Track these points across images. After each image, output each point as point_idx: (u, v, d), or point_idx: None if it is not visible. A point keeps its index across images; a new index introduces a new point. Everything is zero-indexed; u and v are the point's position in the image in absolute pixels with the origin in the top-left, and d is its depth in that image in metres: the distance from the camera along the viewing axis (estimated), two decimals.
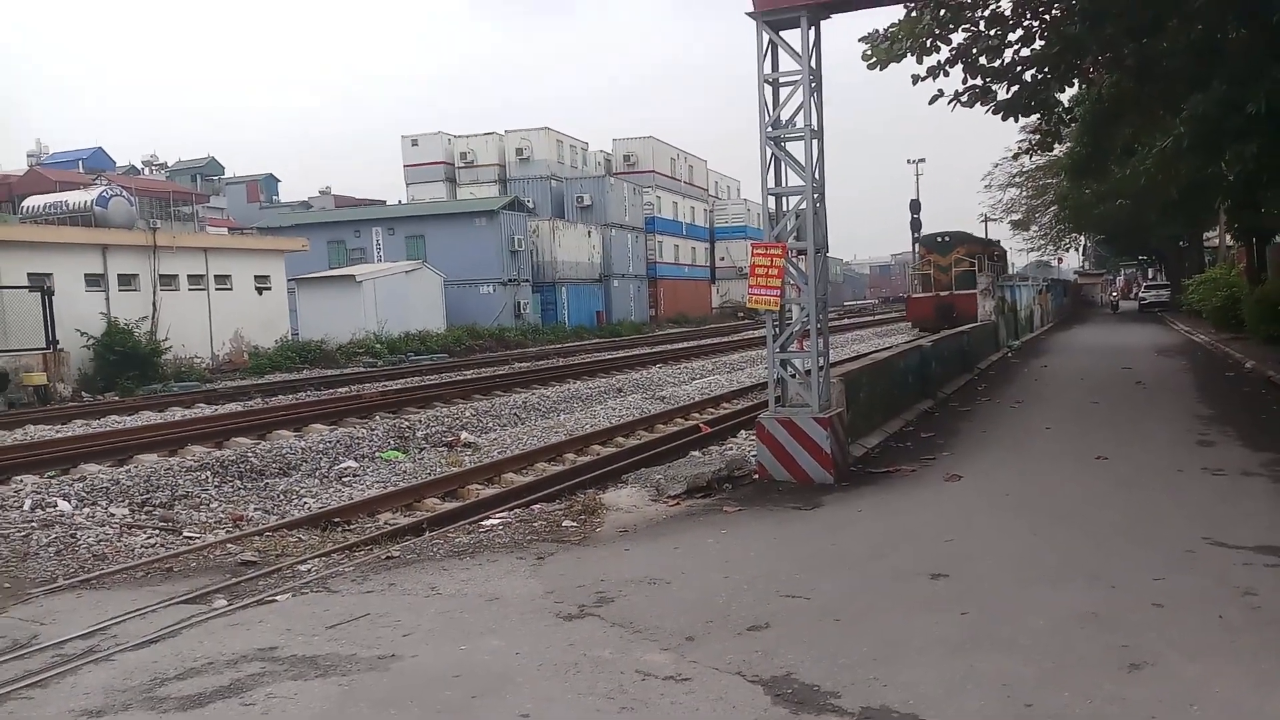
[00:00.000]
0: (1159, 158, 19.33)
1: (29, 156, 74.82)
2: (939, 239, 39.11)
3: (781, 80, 10.00)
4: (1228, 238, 39.23)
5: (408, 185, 62.23)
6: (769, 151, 9.96)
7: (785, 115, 10.02)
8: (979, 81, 15.27)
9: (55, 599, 6.85)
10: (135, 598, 6.74)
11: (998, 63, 15.15)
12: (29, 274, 23.92)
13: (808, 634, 5.43)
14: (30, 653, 5.63)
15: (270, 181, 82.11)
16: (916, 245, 42.84)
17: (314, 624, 5.90)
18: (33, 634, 5.98)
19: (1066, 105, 17.75)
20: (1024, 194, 57.27)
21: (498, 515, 9.17)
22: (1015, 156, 43.06)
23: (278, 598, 6.58)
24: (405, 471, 13.15)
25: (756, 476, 9.88)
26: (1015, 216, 61.44)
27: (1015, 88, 15.61)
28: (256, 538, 8.85)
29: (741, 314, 63.95)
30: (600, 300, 53.21)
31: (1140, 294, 58.54)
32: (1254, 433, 11.74)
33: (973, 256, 36.63)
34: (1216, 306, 31.02)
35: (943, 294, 35.42)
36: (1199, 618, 5.42)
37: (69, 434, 16.45)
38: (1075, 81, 17.03)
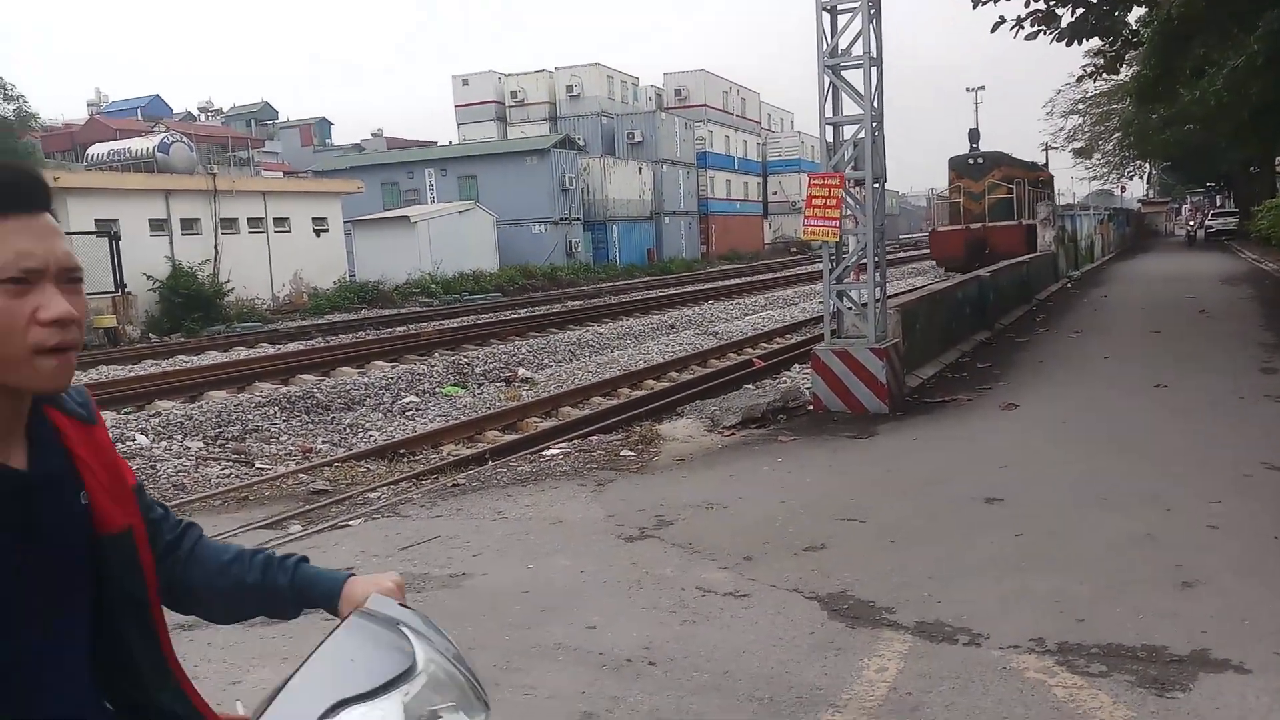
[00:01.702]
0: (1230, 77, 18.67)
1: (89, 105, 76.05)
2: (971, 160, 32.14)
3: (840, 7, 9.85)
4: None
5: (459, 125, 62.15)
6: (826, 80, 9.87)
7: (843, 43, 9.89)
8: (1042, 5, 14.86)
9: None
10: (215, 524, 7.06)
11: None
12: (96, 220, 24.49)
13: (863, 554, 5.56)
14: None
15: (323, 125, 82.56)
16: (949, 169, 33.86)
17: (387, 546, 6.17)
18: None
19: (1133, 27, 17.21)
20: (1087, 121, 55.64)
21: (557, 445, 9.39)
22: (1079, 80, 41.57)
23: (350, 523, 6.86)
24: (465, 406, 13.44)
25: (811, 408, 9.97)
26: (1077, 144, 59.79)
27: (1080, 10, 15.17)
28: (326, 468, 9.16)
29: (794, 249, 63.38)
30: (651, 238, 53.04)
31: (1206, 221, 53.97)
32: None
33: (1011, 181, 30.60)
34: None
35: (974, 226, 29.82)
36: (1253, 539, 5.45)
37: (140, 373, 16.99)
38: (1141, 3, 16.50)
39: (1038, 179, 34.82)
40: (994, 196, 30.25)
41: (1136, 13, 17.21)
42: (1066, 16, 15.15)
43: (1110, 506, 6.21)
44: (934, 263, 35.18)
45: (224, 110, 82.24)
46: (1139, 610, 4.54)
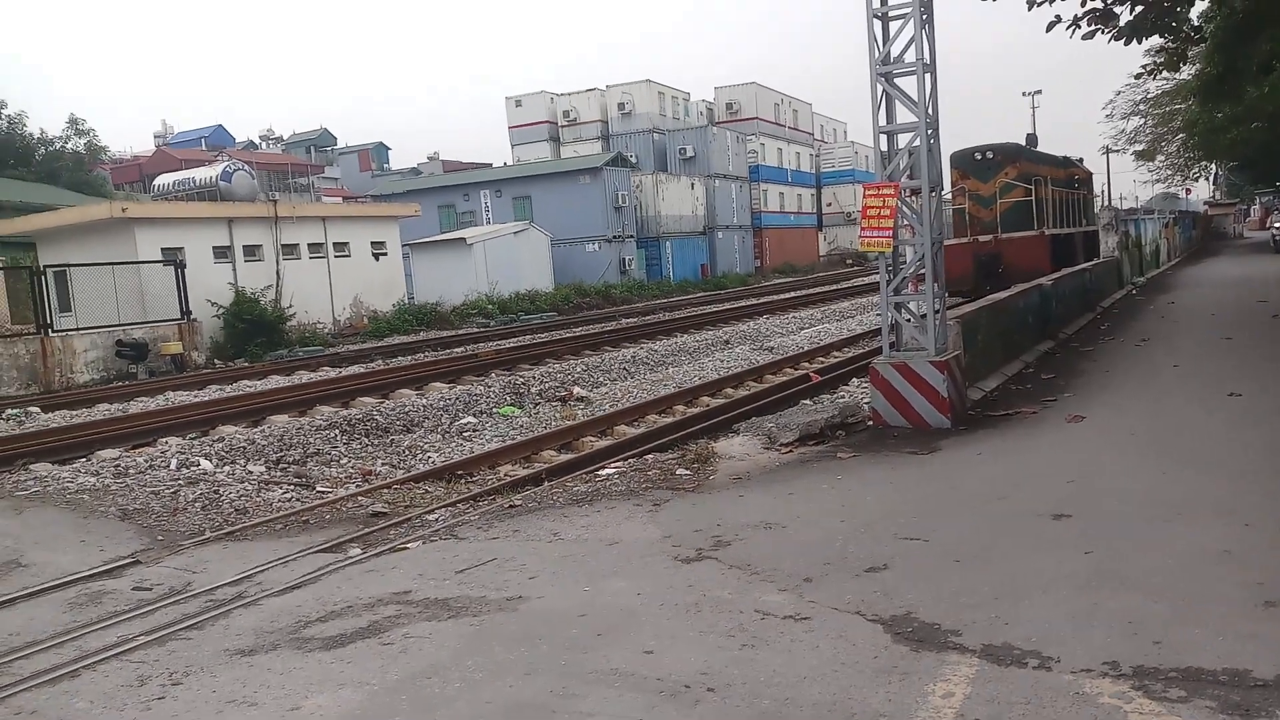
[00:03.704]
0: None
1: (155, 137, 78.35)
2: (978, 156, 24.07)
3: (891, 14, 9.74)
4: None
5: (513, 146, 62.83)
6: (879, 88, 9.75)
7: (895, 50, 9.77)
8: (1099, 2, 14.51)
9: (204, 550, 7.31)
10: (276, 547, 7.14)
11: None
12: (162, 249, 25.13)
13: (927, 574, 5.42)
14: (185, 598, 6.04)
15: (380, 150, 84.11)
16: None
17: (444, 569, 6.17)
18: (187, 581, 6.41)
19: (1195, 23, 16.75)
20: (1149, 122, 54.38)
21: (612, 465, 9.35)
22: (1138, 76, 40.50)
23: (409, 545, 6.88)
24: (522, 426, 13.48)
25: (870, 423, 9.81)
26: (1139, 146, 58.47)
27: (1139, 8, 14.79)
28: (385, 490, 9.23)
29: (849, 261, 62.80)
30: (704, 253, 52.96)
31: (1273, 222, 48.35)
32: None
33: (1029, 179, 23.32)
34: None
35: (983, 239, 22.56)
36: None
37: (205, 398, 17.34)
38: None
39: (1071, 177, 28.36)
40: (1007, 200, 23.08)
41: (1199, 8, 16.72)
42: (1125, 14, 14.76)
43: (1184, 521, 5.98)
44: None
45: (284, 138, 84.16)
46: (1219, 631, 4.35)
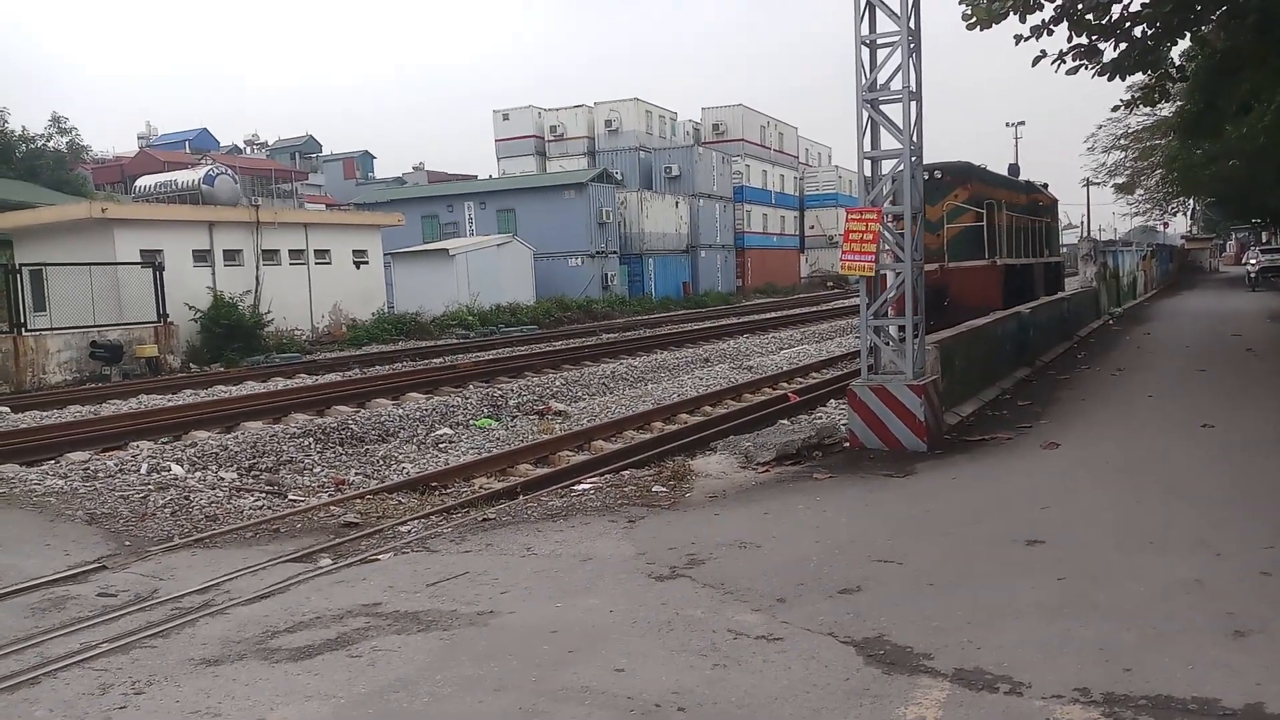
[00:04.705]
0: (1278, 113, 18.39)
1: (139, 139, 77.90)
2: (924, 175, 18.00)
3: (879, 42, 9.81)
4: None
5: (499, 159, 62.85)
6: (865, 114, 9.82)
7: (882, 78, 9.84)
8: (1084, 39, 14.71)
9: (172, 556, 7.21)
10: (246, 556, 7.06)
11: (1105, 19, 14.57)
12: (141, 250, 24.92)
13: (900, 597, 5.41)
14: (152, 605, 5.95)
15: (366, 159, 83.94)
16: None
17: (415, 581, 6.11)
18: (153, 588, 6.32)
19: (1177, 63, 16.99)
20: (1129, 156, 55.07)
21: (589, 480, 9.31)
22: (1115, 109, 40.88)
23: (380, 557, 6.81)
24: (498, 438, 13.42)
25: (848, 444, 9.82)
26: (1119, 180, 59.20)
27: (1123, 45, 15.00)
28: (358, 500, 9.15)
29: (830, 284, 63.10)
30: (687, 271, 53.07)
31: (1249, 259, 45.52)
32: None
33: (981, 203, 20.91)
34: None
35: (928, 268, 18.79)
36: None
37: (179, 403, 17.18)
38: (1186, 36, 16.27)
39: (1033, 203, 26.55)
40: (955, 226, 20.42)
41: (1181, 47, 16.97)
42: (1109, 51, 14.98)
43: (1157, 550, 6.01)
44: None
45: (269, 143, 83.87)
46: (1189, 660, 4.37)
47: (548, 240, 42.95)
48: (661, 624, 5.15)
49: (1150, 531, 6.42)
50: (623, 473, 9.68)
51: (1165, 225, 79.33)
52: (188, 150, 68.10)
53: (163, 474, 10.83)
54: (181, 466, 11.32)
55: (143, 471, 10.87)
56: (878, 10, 9.71)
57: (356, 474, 11.53)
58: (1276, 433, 9.59)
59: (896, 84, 9.68)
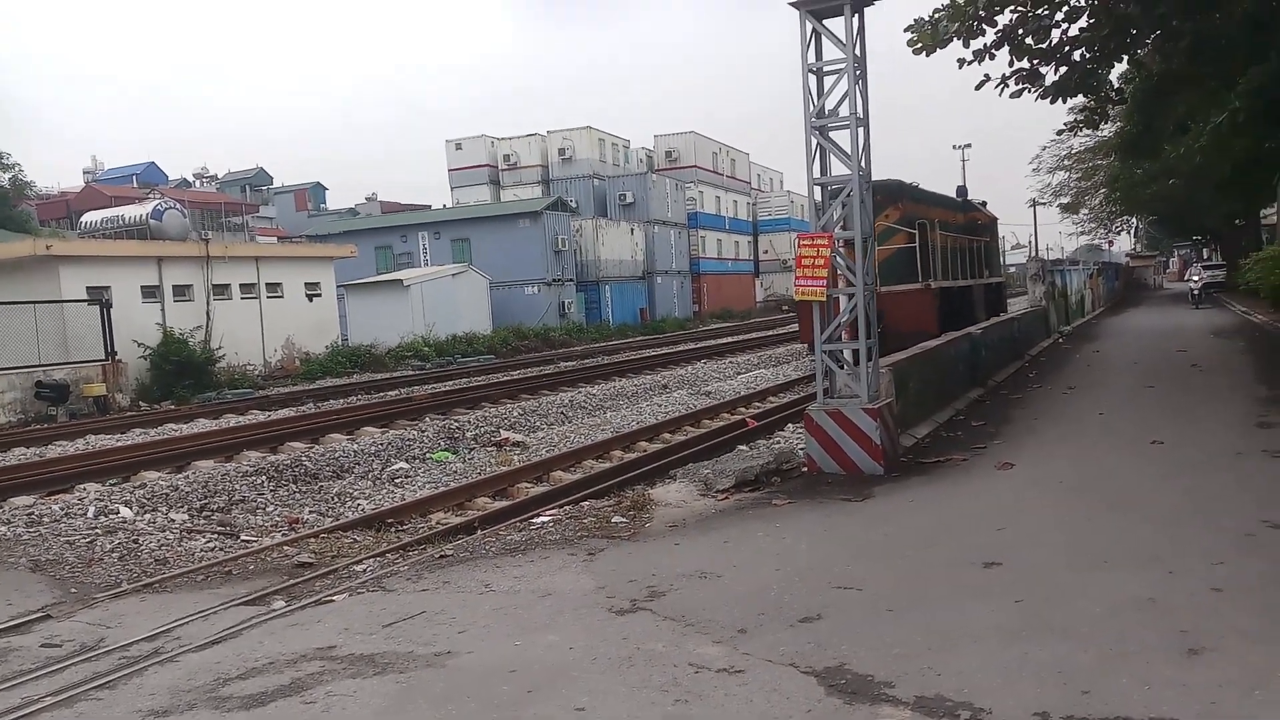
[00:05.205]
0: (1214, 134, 18.94)
1: (85, 173, 76.70)
2: None
3: (825, 69, 9.92)
4: None
5: (452, 189, 62.76)
6: (814, 141, 9.91)
7: (830, 104, 9.95)
8: (1026, 64, 15.06)
9: (120, 603, 7.02)
10: (197, 600, 6.89)
11: (1045, 44, 14.93)
12: (88, 287, 24.47)
13: (860, 624, 5.41)
14: (97, 655, 5.78)
15: (318, 190, 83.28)
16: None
17: (371, 623, 6.00)
18: (99, 637, 6.15)
19: (1116, 85, 17.45)
20: (1073, 176, 56.35)
21: (548, 513, 9.24)
22: (1059, 132, 41.82)
23: (335, 598, 6.69)
24: (456, 472, 13.29)
25: (805, 469, 9.85)
26: (1064, 200, 60.52)
27: (1064, 69, 15.38)
28: (312, 540, 9.00)
29: (786, 307, 63.58)
30: (644, 297, 53.24)
31: (1191, 275, 44.92)
32: None
33: (914, 224, 20.21)
34: (1275, 286, 30.30)
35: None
36: (1259, 602, 5.32)
37: (128, 442, 16.82)
38: (1124, 59, 16.73)
39: (970, 222, 25.47)
40: (887, 247, 19.34)
41: (1119, 69, 17.46)
42: (1051, 75, 15.36)
43: (1111, 568, 6.08)
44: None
45: (219, 176, 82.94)
46: (1145, 680, 4.40)
47: (504, 269, 42.87)
48: (622, 659, 5.10)
49: (1104, 550, 6.49)
50: (582, 504, 9.62)
51: (1110, 243, 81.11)
52: (135, 184, 67.13)
53: (111, 517, 10.58)
54: (130, 509, 11.07)
55: (90, 515, 10.61)
56: (824, 38, 9.83)
57: (311, 512, 11.34)
58: (1223, 447, 9.78)
59: (844, 110, 9.80)
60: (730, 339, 37.98)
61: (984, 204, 29.56)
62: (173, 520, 10.63)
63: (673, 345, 37.03)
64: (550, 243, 45.03)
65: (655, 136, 67.62)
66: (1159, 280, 76.97)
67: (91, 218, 34.68)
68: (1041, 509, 7.85)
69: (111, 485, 12.62)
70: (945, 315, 19.53)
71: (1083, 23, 15.04)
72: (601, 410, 18.76)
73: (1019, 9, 14.45)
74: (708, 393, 20.71)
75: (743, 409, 17.73)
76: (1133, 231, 78.80)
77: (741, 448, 13.12)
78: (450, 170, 63.09)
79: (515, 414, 17.78)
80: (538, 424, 17.20)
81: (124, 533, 9.49)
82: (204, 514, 11.22)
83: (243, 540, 9.61)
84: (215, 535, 9.82)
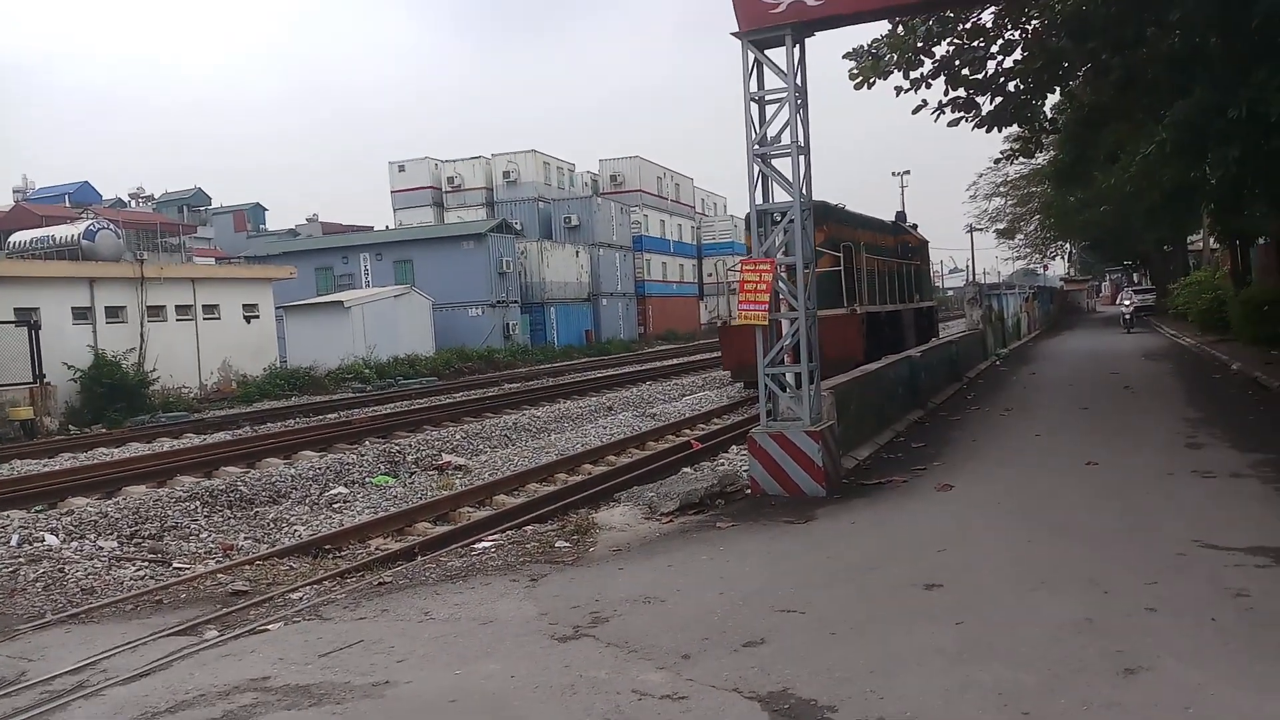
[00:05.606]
0: (1143, 164, 19.50)
1: (15, 192, 74.62)
2: (777, 216, 14.88)
3: (768, 98, 10.02)
4: (1212, 241, 39.51)
5: (395, 210, 62.23)
6: (756, 168, 9.99)
7: (772, 132, 10.03)
8: (962, 93, 15.42)
9: (43, 635, 6.78)
10: (125, 631, 6.67)
11: (981, 74, 15.31)
12: (15, 309, 23.83)
13: (804, 648, 5.40)
14: (18, 690, 5.55)
15: (257, 211, 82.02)
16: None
17: (307, 652, 5.85)
18: (21, 671, 5.91)
19: (1049, 115, 17.91)
20: (1009, 203, 57.65)
21: (490, 538, 9.12)
22: (997, 161, 42.92)
23: (269, 627, 6.52)
24: (396, 496, 13.08)
25: (749, 491, 9.86)
26: (1000, 225, 61.86)
27: (999, 99, 15.77)
28: (247, 567, 8.78)
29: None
30: (589, 319, 53.22)
31: (1123, 299, 44.37)
32: (1241, 434, 11.78)
33: (839, 246, 19.66)
34: (1202, 309, 31.25)
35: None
36: (1192, 621, 5.42)
37: (56, 468, 16.32)
38: (1056, 91, 17.19)
39: (900, 244, 24.92)
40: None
41: (1053, 100, 17.93)
42: (986, 104, 15.72)
43: (1049, 590, 6.15)
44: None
45: (155, 197, 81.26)
46: (1084, 701, 4.45)
47: (447, 291, 42.59)
48: (564, 687, 5.02)
49: (1042, 572, 6.57)
50: (525, 528, 9.52)
51: (1045, 268, 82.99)
52: (68, 204, 65.49)
53: (35, 545, 10.22)
54: (57, 536, 10.70)
55: (13, 543, 10.24)
56: (765, 68, 9.94)
57: (246, 538, 11.07)
58: (1155, 468, 10.00)
59: (786, 138, 9.90)
60: (675, 360, 38.07)
61: (915, 226, 29.47)
62: (101, 548, 10.29)
63: (618, 367, 37.02)
64: (495, 264, 44.86)
65: (600, 160, 67.91)
66: (1092, 304, 78.95)
67: (21, 237, 33.86)
68: (981, 531, 7.94)
69: (37, 512, 12.21)
70: (873, 341, 19.16)
71: (1017, 55, 15.46)
72: (546, 433, 18.64)
73: (956, 41, 14.80)
74: (653, 415, 20.69)
75: (687, 431, 17.74)
76: (1067, 256, 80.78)
77: (686, 470, 13.09)
78: (393, 192, 62.61)
79: (458, 437, 17.59)
80: (481, 447, 17.03)
81: (49, 561, 9.17)
82: (134, 541, 10.89)
83: (175, 568, 9.35)
84: (146, 563, 9.53)
